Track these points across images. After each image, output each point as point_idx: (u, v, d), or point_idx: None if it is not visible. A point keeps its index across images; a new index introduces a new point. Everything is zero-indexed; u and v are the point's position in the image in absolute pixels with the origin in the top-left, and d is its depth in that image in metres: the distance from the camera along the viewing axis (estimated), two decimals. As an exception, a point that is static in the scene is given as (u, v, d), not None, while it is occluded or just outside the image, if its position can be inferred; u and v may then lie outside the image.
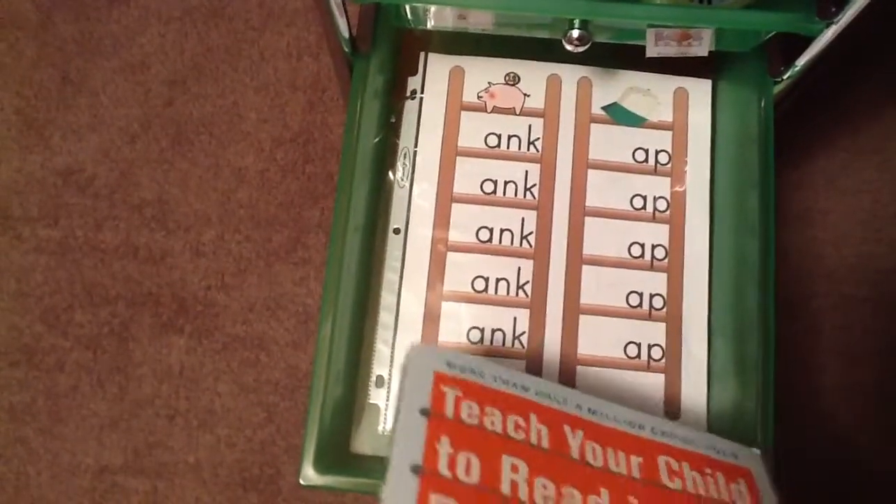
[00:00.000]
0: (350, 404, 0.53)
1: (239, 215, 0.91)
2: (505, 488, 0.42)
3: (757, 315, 0.53)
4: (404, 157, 0.59)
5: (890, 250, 0.87)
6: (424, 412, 0.44)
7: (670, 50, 0.54)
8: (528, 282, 0.57)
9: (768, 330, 0.53)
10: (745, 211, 0.56)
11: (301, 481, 0.51)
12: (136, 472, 0.86)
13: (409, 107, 0.61)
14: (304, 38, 0.96)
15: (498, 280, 0.57)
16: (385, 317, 0.56)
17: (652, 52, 0.55)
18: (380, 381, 0.55)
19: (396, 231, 0.57)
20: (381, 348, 0.55)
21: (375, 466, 0.48)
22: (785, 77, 0.56)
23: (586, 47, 0.53)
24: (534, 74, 0.61)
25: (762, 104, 0.57)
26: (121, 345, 0.88)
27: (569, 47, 0.53)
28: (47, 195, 0.92)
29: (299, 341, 0.88)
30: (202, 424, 0.86)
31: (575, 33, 0.53)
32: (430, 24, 0.59)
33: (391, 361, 0.54)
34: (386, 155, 0.59)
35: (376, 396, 0.55)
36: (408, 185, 0.58)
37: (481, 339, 0.55)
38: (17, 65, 0.97)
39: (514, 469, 0.43)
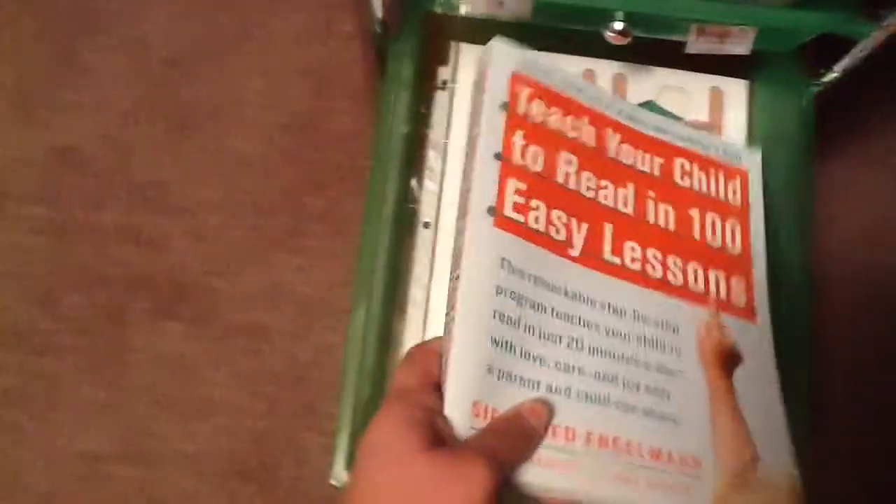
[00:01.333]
0: (380, 403, 0.52)
1: (240, 201, 0.90)
2: (560, 178, 0.51)
3: (794, 318, 0.53)
4: (434, 150, 0.57)
5: (893, 257, 0.87)
6: (504, 106, 0.51)
7: (711, 47, 0.53)
8: None
9: (806, 333, 0.52)
10: (780, 213, 0.55)
11: (333, 482, 0.50)
12: (130, 460, 0.84)
13: (440, 97, 0.59)
14: (312, 23, 0.94)
15: None
16: (414, 313, 0.54)
17: (692, 48, 0.54)
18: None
19: (426, 225, 0.56)
20: (411, 345, 0.53)
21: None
22: (824, 80, 0.56)
23: (628, 41, 0.52)
24: (568, 69, 0.60)
25: (802, 106, 0.56)
26: (117, 330, 0.86)
27: (610, 40, 0.52)
28: (44, 174, 0.90)
29: (299, 331, 0.86)
30: (199, 414, 0.85)
31: (618, 25, 0.51)
32: (463, 10, 0.57)
33: None
34: (415, 146, 0.57)
35: None
36: (438, 178, 0.56)
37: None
38: (15, 40, 0.94)
39: (568, 162, 0.51)
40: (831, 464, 0.80)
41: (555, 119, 0.52)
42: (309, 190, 0.90)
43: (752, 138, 0.59)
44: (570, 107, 0.53)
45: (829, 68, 0.56)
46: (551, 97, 0.53)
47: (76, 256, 0.87)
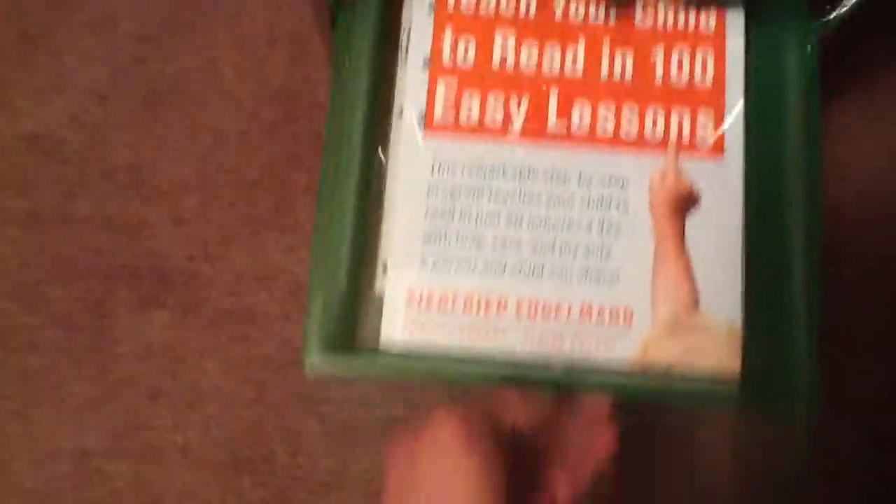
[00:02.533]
0: (355, 293, 0.49)
1: (220, 180, 0.85)
2: (496, 60, 0.51)
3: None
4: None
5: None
6: (430, 7, 0.52)
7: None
8: None
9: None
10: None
11: (306, 369, 0.47)
12: (120, 455, 0.81)
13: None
14: (282, -12, 0.89)
15: None
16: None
17: (681, -11, 0.50)
18: (387, 269, 0.50)
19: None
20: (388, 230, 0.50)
21: (387, 359, 0.49)
22: (830, 17, 0.51)
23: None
24: None
25: (806, 48, 0.51)
26: (97, 322, 0.83)
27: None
28: (12, 163, 0.86)
29: (290, 314, 0.83)
30: (189, 404, 0.81)
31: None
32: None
33: None
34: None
35: (384, 286, 0.49)
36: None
37: None
38: (-29, 22, 0.90)
39: (505, 39, 0.51)
40: (842, 414, 0.77)
41: (487, 3, 0.52)
42: (291, 164, 0.86)
43: (749, 80, 0.53)
44: None
45: (833, 5, 0.52)
46: None
47: (50, 247, 0.84)
